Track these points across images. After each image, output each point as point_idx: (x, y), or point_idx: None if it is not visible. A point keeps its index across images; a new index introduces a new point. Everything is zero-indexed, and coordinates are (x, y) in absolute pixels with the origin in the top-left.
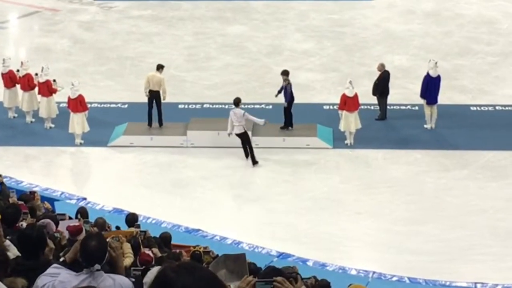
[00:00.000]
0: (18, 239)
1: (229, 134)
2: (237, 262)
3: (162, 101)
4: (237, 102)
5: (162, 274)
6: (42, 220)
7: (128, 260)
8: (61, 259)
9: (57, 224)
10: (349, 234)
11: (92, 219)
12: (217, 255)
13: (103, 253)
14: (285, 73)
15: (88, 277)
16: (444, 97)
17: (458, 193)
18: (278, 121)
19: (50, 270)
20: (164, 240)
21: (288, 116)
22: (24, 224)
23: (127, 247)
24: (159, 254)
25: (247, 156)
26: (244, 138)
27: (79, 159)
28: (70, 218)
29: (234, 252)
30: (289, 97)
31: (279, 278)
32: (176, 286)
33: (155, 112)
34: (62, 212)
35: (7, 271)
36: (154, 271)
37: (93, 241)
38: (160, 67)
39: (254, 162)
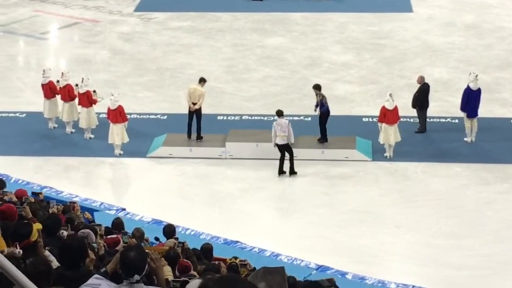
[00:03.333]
0: (60, 249)
1: (274, 146)
2: (276, 275)
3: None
4: (280, 113)
5: (204, 286)
6: (83, 230)
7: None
8: (103, 269)
9: (96, 234)
10: (388, 247)
11: (130, 230)
12: (254, 268)
13: (142, 263)
14: (317, 87)
15: None
16: (485, 110)
17: (499, 207)
18: (317, 133)
19: (91, 281)
20: (205, 251)
21: (323, 130)
22: (64, 233)
23: (167, 270)
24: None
25: (280, 173)
26: (287, 149)
27: (119, 169)
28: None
29: (273, 265)
30: (326, 110)
31: None
32: None
33: (194, 124)
34: (99, 223)
35: (50, 281)
36: (193, 283)
37: (132, 252)
38: (202, 80)
39: (293, 172)
